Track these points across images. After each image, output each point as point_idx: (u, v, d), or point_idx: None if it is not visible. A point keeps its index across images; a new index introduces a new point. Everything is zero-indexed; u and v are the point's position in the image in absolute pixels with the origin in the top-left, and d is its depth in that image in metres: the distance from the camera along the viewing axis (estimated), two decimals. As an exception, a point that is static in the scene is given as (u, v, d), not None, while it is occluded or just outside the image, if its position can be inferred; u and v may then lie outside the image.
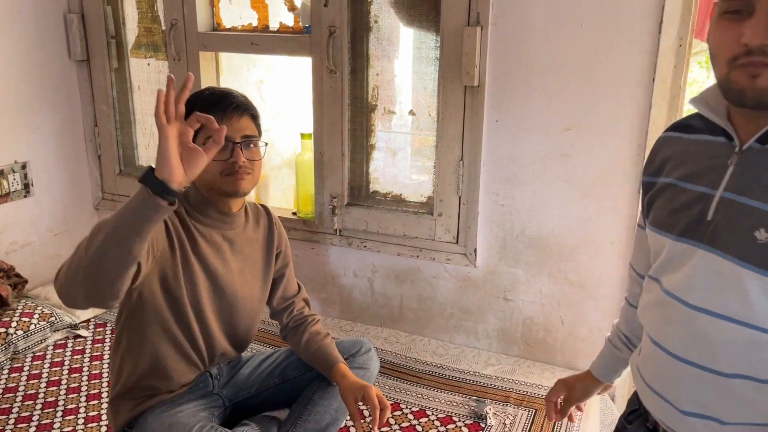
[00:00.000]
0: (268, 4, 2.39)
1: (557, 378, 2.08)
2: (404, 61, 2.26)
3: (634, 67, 1.85)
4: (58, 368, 2.08)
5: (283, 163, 2.84)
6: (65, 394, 1.94)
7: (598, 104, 1.91)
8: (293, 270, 1.79)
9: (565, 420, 1.82)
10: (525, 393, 1.97)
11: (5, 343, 2.10)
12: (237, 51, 2.45)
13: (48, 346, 2.20)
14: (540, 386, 2.01)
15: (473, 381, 2.05)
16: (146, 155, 2.74)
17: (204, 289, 1.53)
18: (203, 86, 2.34)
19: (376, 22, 2.20)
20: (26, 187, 2.57)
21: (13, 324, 2.16)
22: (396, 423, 1.83)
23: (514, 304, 2.19)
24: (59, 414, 1.85)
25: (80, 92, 2.72)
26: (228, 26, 2.44)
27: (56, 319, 2.27)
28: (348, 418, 1.71)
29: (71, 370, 2.07)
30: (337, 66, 2.19)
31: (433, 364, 2.15)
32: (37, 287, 2.52)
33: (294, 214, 2.51)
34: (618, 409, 2.11)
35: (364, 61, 2.24)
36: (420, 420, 1.85)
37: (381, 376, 2.03)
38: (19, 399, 1.91)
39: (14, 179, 2.52)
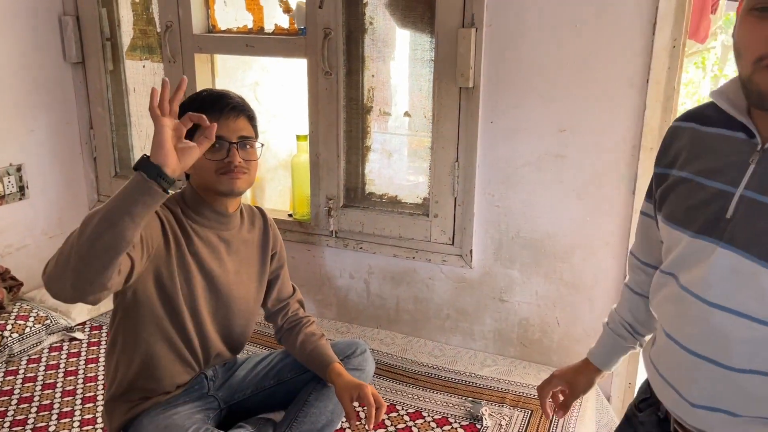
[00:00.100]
0: (263, 6, 2.39)
1: (553, 378, 2.08)
2: (399, 63, 2.27)
3: (628, 69, 1.85)
4: (54, 371, 2.07)
5: (279, 165, 2.84)
6: (60, 397, 1.94)
7: (593, 105, 1.91)
8: (288, 272, 1.79)
9: (562, 421, 1.84)
10: (521, 394, 1.98)
11: (0, 346, 2.10)
12: (232, 53, 2.45)
13: (43, 348, 2.20)
14: (536, 387, 2.01)
15: (469, 382, 2.05)
16: (142, 157, 2.74)
17: (200, 288, 1.54)
18: (199, 88, 2.36)
19: (371, 23, 2.20)
20: (21, 189, 2.56)
21: (9, 327, 2.16)
22: (392, 424, 1.83)
23: (509, 305, 2.20)
24: (54, 417, 1.84)
25: (75, 94, 2.71)
26: (223, 28, 2.45)
27: (52, 321, 2.26)
28: (344, 419, 1.71)
29: (66, 373, 2.06)
30: (333, 68, 2.20)
31: (429, 365, 2.15)
32: (32, 290, 2.51)
33: (290, 215, 2.51)
34: (614, 410, 2.12)
35: (359, 62, 2.24)
36: (416, 421, 1.85)
37: (377, 377, 2.03)
38: (14, 402, 1.91)
39: (9, 182, 2.52)
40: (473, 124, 2.06)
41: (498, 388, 2.01)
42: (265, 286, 1.73)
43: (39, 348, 2.19)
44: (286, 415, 1.65)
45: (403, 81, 2.28)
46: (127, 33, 2.63)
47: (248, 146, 1.53)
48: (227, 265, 1.60)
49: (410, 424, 1.84)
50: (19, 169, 2.54)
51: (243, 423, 1.64)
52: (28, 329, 2.19)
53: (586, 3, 1.85)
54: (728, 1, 2.81)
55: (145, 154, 1.19)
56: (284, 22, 2.36)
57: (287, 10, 2.35)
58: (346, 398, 1.53)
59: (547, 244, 2.08)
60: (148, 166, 1.17)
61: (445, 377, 2.08)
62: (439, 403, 1.94)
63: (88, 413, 1.86)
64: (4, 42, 2.43)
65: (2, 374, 2.04)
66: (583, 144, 1.95)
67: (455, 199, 2.15)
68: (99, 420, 1.82)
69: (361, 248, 2.35)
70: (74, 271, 1.17)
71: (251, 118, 1.57)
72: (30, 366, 2.10)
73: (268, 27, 2.38)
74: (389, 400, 1.94)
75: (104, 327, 2.34)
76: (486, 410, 1.87)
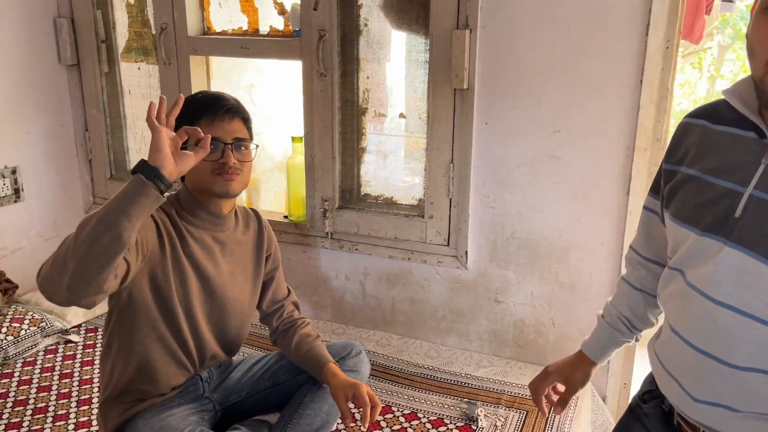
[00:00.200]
0: (258, 8, 2.39)
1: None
2: (394, 64, 2.27)
3: (621, 70, 1.86)
4: (49, 374, 2.07)
5: (275, 167, 2.84)
6: (56, 399, 1.94)
7: (587, 106, 1.92)
8: (282, 273, 1.80)
9: (557, 421, 1.84)
10: (516, 395, 1.98)
11: (-5, 348, 2.10)
12: (227, 55, 2.45)
13: (39, 351, 2.19)
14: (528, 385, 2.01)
15: (465, 383, 2.05)
16: (137, 159, 2.73)
17: (195, 289, 1.54)
18: (194, 90, 2.36)
19: (365, 25, 2.20)
20: (16, 192, 2.56)
21: (4, 329, 2.16)
22: (387, 426, 1.83)
23: (505, 306, 2.20)
24: (49, 420, 1.84)
25: (70, 97, 2.71)
26: (218, 30, 2.45)
27: (47, 324, 2.26)
28: (339, 421, 1.71)
29: (62, 376, 2.06)
30: (328, 69, 2.20)
31: (425, 366, 2.16)
32: (27, 293, 2.50)
33: (285, 217, 2.51)
34: (610, 410, 2.12)
35: (354, 64, 2.25)
36: (411, 423, 1.85)
37: (373, 378, 2.04)
38: (9, 405, 1.90)
39: (4, 184, 2.51)
40: (468, 126, 2.06)
41: (493, 389, 2.02)
42: (260, 288, 1.73)
43: (34, 351, 2.19)
44: (281, 416, 1.65)
45: (398, 82, 2.28)
46: (122, 35, 2.63)
47: (243, 147, 1.55)
48: (222, 267, 1.60)
49: (406, 425, 1.84)
50: (14, 172, 2.54)
51: (238, 425, 1.64)
52: (23, 332, 2.19)
53: (580, 4, 1.85)
54: (722, 2, 2.82)
55: (143, 158, 1.24)
56: (279, 23, 2.37)
57: (282, 12, 2.36)
58: (341, 398, 1.53)
59: (542, 244, 2.08)
60: (146, 169, 1.21)
61: (440, 378, 2.08)
62: (434, 404, 1.95)
63: (83, 416, 1.86)
64: (-1, 44, 2.44)
65: (-3, 377, 2.04)
66: (578, 145, 1.96)
67: (450, 200, 2.16)
68: (94, 422, 1.82)
69: (356, 250, 2.35)
70: (70, 273, 1.17)
71: (246, 119, 1.59)
72: (25, 369, 2.09)
73: (263, 29, 2.38)
74: (385, 401, 1.94)
75: (100, 329, 2.34)
76: (481, 411, 1.87)
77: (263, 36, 2.36)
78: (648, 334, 1.31)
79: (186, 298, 1.53)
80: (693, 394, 1.01)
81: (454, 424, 1.84)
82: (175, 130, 1.30)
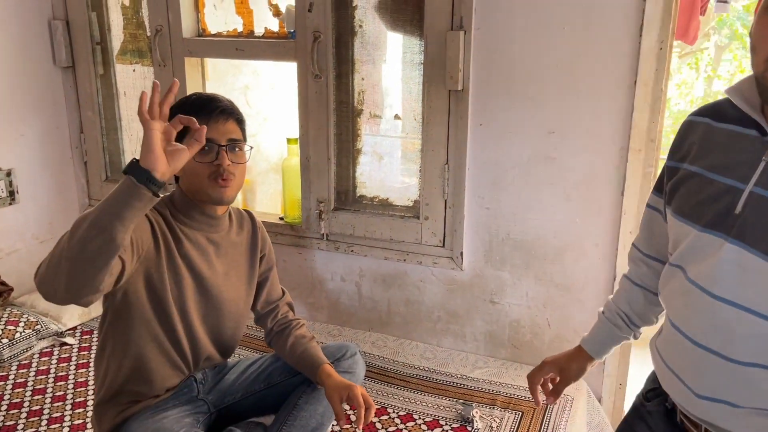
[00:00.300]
0: (253, 10, 2.39)
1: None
2: (389, 66, 2.27)
3: (615, 71, 1.86)
4: (44, 376, 2.07)
5: (270, 168, 2.84)
6: (50, 402, 1.93)
7: (581, 108, 1.92)
8: (277, 275, 1.80)
9: (552, 422, 1.84)
10: (512, 396, 1.98)
11: (-10, 351, 2.10)
12: (222, 56, 2.45)
13: (33, 354, 2.19)
14: (527, 389, 2.01)
15: (460, 384, 2.05)
16: (133, 161, 2.74)
17: (189, 290, 1.54)
18: (189, 92, 2.35)
19: (360, 26, 2.20)
20: (11, 194, 2.55)
21: (-2, 332, 2.16)
22: (383, 427, 1.83)
23: (500, 307, 2.20)
24: (44, 423, 1.84)
25: (66, 99, 2.71)
26: (213, 32, 2.45)
27: (42, 327, 2.25)
28: (334, 422, 1.71)
29: (57, 378, 2.06)
30: (322, 71, 2.20)
31: (421, 367, 2.16)
32: (23, 295, 2.50)
33: (281, 219, 2.51)
34: (605, 411, 2.13)
35: (349, 65, 2.25)
36: (407, 424, 1.85)
37: (368, 380, 2.03)
38: (3, 408, 1.90)
39: (-1, 186, 2.51)
40: (463, 127, 2.06)
41: (489, 390, 2.02)
42: (255, 289, 1.73)
43: (29, 353, 2.19)
44: (276, 418, 1.65)
45: (393, 84, 2.28)
46: (117, 37, 2.63)
47: (237, 149, 1.54)
48: (216, 267, 1.60)
49: (401, 426, 1.84)
50: (9, 174, 2.54)
51: (233, 427, 1.64)
52: (18, 334, 2.18)
53: (574, 6, 1.86)
54: (717, 2, 2.82)
55: (134, 158, 1.20)
56: (274, 25, 2.37)
57: (277, 13, 2.36)
58: (335, 399, 1.53)
59: (537, 245, 2.09)
60: (137, 171, 1.18)
61: (436, 379, 2.08)
62: (430, 405, 1.95)
63: (78, 418, 1.86)
64: (-6, 46, 2.43)
65: (-8, 380, 2.04)
66: (572, 146, 1.96)
67: (445, 201, 2.16)
68: (89, 425, 1.81)
69: (352, 251, 2.35)
70: (66, 275, 1.17)
71: (240, 121, 1.58)
72: (20, 371, 2.09)
73: (258, 30, 2.38)
74: (380, 402, 1.94)
75: (95, 332, 2.33)
76: (477, 412, 1.87)
77: (258, 38, 2.36)
78: (649, 333, 1.31)
79: (181, 299, 1.53)
80: (695, 390, 1.02)
81: (450, 425, 1.84)
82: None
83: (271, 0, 2.38)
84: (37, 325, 2.25)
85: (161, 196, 1.26)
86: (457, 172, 2.11)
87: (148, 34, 2.49)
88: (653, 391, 1.18)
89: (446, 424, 1.85)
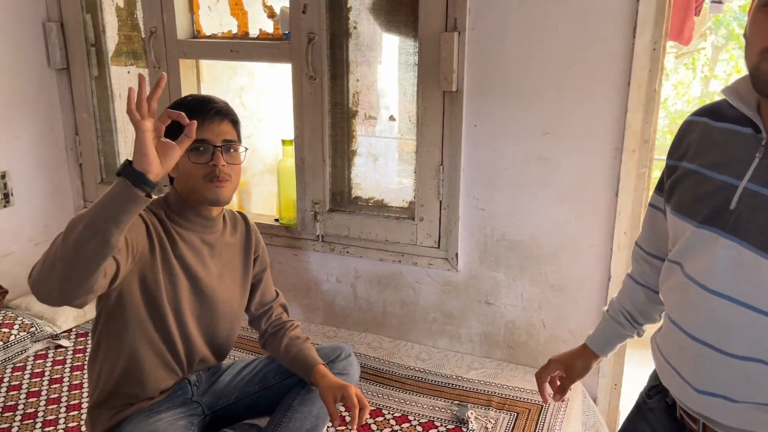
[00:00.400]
0: (247, 11, 2.39)
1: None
2: (384, 67, 2.27)
3: (609, 72, 1.86)
4: (38, 379, 2.06)
5: (265, 170, 2.84)
6: (45, 405, 1.93)
7: (575, 108, 1.92)
8: (271, 276, 1.80)
9: (548, 422, 1.85)
10: (507, 396, 1.98)
11: (-16, 354, 2.09)
12: (217, 58, 2.45)
13: (28, 356, 2.19)
14: (522, 389, 2.02)
15: (455, 385, 2.05)
16: (128, 163, 2.73)
17: (184, 290, 1.54)
18: (184, 94, 2.35)
19: (355, 28, 2.20)
20: (6, 196, 2.55)
21: (-7, 335, 2.15)
22: (378, 429, 1.83)
23: (496, 308, 2.20)
24: (39, 425, 1.83)
25: (60, 100, 2.70)
26: (208, 33, 2.44)
27: (37, 329, 2.25)
28: (329, 424, 1.71)
29: (51, 381, 2.05)
30: (317, 72, 2.20)
31: (416, 368, 2.16)
32: (18, 298, 2.50)
33: (276, 220, 2.51)
34: (601, 411, 2.13)
35: (343, 67, 2.25)
36: (402, 425, 1.85)
37: (364, 381, 2.03)
38: (-2, 410, 1.90)
39: (-6, 189, 2.51)
40: (457, 128, 2.06)
41: (484, 390, 2.02)
42: (249, 290, 1.73)
43: (24, 356, 2.18)
44: (270, 420, 1.65)
45: (388, 85, 2.28)
46: (111, 39, 2.63)
47: (232, 150, 1.55)
48: (211, 268, 1.60)
49: (396, 428, 1.84)
50: (3, 176, 2.53)
51: (227, 429, 1.64)
52: (12, 337, 2.18)
53: (567, 7, 1.86)
54: (711, 3, 2.83)
55: (127, 159, 1.20)
56: (269, 27, 2.37)
57: (271, 15, 2.36)
58: (329, 399, 1.53)
59: (532, 246, 2.09)
60: (131, 173, 1.18)
61: (431, 380, 2.08)
62: (425, 406, 1.94)
63: (73, 421, 1.85)
64: (-12, 49, 2.43)
65: (-14, 383, 2.03)
66: (567, 147, 1.96)
67: (440, 202, 2.16)
68: (83, 428, 1.81)
69: (347, 252, 2.35)
70: (60, 277, 1.18)
71: (235, 122, 1.59)
72: (15, 374, 2.09)
73: (253, 32, 2.38)
74: (375, 404, 1.94)
75: (90, 334, 2.33)
76: (472, 413, 1.87)
77: (253, 39, 2.36)
78: (646, 334, 1.34)
79: (175, 299, 1.53)
80: (693, 384, 1.03)
81: (445, 426, 1.84)
82: (166, 133, 1.25)
83: (265, 1, 2.38)
84: (32, 327, 2.24)
85: (154, 196, 1.26)
86: (452, 173, 2.11)
87: (143, 35, 2.49)
88: (655, 388, 1.20)
89: (441, 425, 1.85)
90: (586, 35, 1.86)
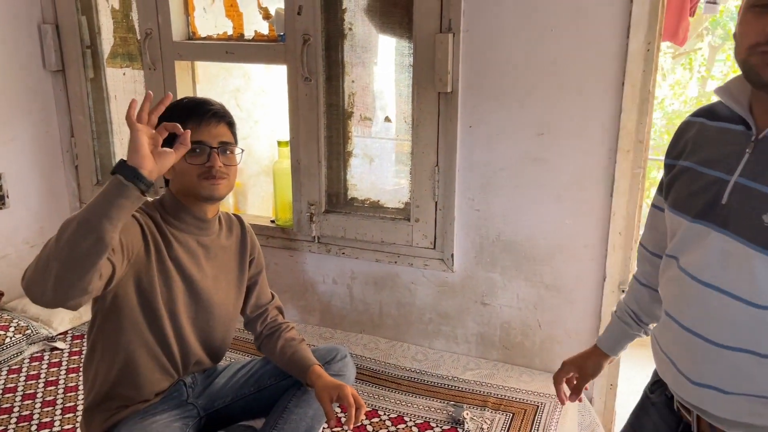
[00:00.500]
0: (242, 13, 2.39)
1: (535, 381, 2.10)
2: (379, 68, 2.27)
3: (603, 72, 1.87)
4: (34, 381, 2.06)
5: (261, 171, 2.84)
6: (40, 407, 1.93)
7: (570, 109, 1.93)
8: (266, 278, 1.80)
9: (543, 422, 1.85)
10: (503, 397, 1.98)
11: (-20, 356, 2.09)
12: (212, 60, 2.45)
13: (24, 359, 2.18)
14: (518, 390, 2.02)
15: (451, 386, 2.05)
16: (123, 165, 2.73)
17: (179, 293, 1.54)
18: (180, 95, 2.36)
19: (350, 29, 2.21)
20: (1, 198, 2.55)
21: (-12, 337, 2.15)
22: (374, 430, 1.83)
23: (491, 309, 2.20)
24: (34, 428, 1.83)
25: (56, 102, 2.70)
26: (203, 35, 2.44)
27: (32, 331, 2.25)
28: (325, 425, 1.71)
29: (47, 383, 2.05)
30: (312, 74, 2.20)
31: (412, 369, 2.16)
32: (13, 300, 2.50)
33: (272, 221, 2.51)
34: (597, 412, 2.13)
35: (339, 68, 2.25)
36: (398, 426, 1.85)
37: (360, 382, 2.03)
38: (-7, 413, 1.90)
39: (-11, 191, 2.51)
40: (452, 129, 2.07)
41: (480, 391, 2.02)
42: (245, 293, 1.73)
43: (19, 358, 2.18)
44: (266, 422, 1.65)
45: (383, 86, 2.28)
46: (107, 40, 2.62)
47: (228, 152, 1.56)
48: (206, 270, 1.60)
49: (392, 429, 1.84)
50: (-1, 178, 2.53)
51: (223, 431, 1.64)
52: (8, 339, 2.18)
53: (561, 8, 1.86)
54: (706, 3, 2.83)
55: (122, 158, 1.22)
56: (264, 28, 2.37)
57: (266, 16, 2.36)
58: (325, 399, 1.53)
59: (528, 247, 2.09)
60: (125, 169, 1.19)
61: (427, 381, 2.08)
62: (421, 407, 1.95)
63: (68, 423, 1.85)
64: (-17, 51, 2.43)
65: (-18, 385, 2.03)
66: (561, 147, 1.97)
67: (436, 203, 2.16)
68: (78, 430, 1.80)
69: (343, 253, 2.35)
70: (54, 276, 1.17)
71: (231, 124, 1.60)
72: (10, 377, 2.08)
73: (248, 34, 2.38)
74: (371, 405, 1.94)
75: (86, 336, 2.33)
76: (467, 414, 1.87)
77: (248, 41, 2.36)
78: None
79: (171, 301, 1.53)
80: (688, 376, 1.06)
81: (441, 427, 1.84)
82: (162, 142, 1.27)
83: (260, 3, 2.38)
84: (28, 330, 2.24)
85: (148, 196, 1.26)
86: (447, 174, 2.11)
87: (138, 37, 2.49)
88: (657, 382, 1.23)
89: (437, 425, 1.85)
90: (580, 36, 1.87)
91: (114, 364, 1.51)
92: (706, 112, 1.13)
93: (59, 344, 2.27)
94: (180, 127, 1.27)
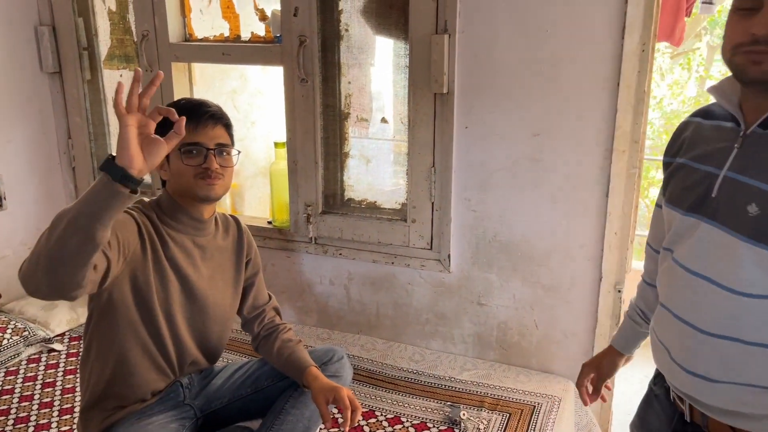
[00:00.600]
0: (239, 14, 2.39)
1: (531, 381, 2.10)
2: (376, 70, 2.28)
3: (599, 73, 1.87)
4: (31, 383, 2.06)
5: (258, 172, 2.85)
6: (38, 409, 1.93)
7: (565, 110, 1.93)
8: (263, 279, 1.80)
9: (540, 422, 1.85)
10: (499, 397, 1.98)
11: (-23, 358, 2.09)
12: (209, 61, 2.45)
13: (21, 360, 2.18)
14: (514, 390, 2.02)
15: (448, 386, 2.06)
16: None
17: (175, 292, 1.55)
18: (176, 97, 2.36)
19: (346, 30, 2.21)
20: (-1, 200, 2.55)
21: (-15, 339, 2.15)
22: (371, 430, 1.83)
23: (488, 309, 2.21)
24: (31, 429, 1.83)
25: (53, 104, 2.70)
26: (200, 37, 2.45)
27: (30, 333, 2.25)
28: (321, 426, 1.71)
29: (44, 385, 2.05)
30: (309, 75, 2.20)
31: (409, 370, 2.16)
32: (11, 301, 2.50)
33: (269, 223, 2.51)
34: (593, 412, 2.13)
35: (335, 69, 2.25)
36: (395, 427, 1.85)
37: (357, 383, 2.04)
38: (-10, 415, 1.90)
39: (-14, 193, 2.51)
40: (448, 130, 2.07)
41: (477, 391, 2.02)
42: (241, 293, 1.73)
43: (17, 360, 2.18)
44: (262, 423, 1.65)
45: (381, 87, 2.29)
46: (104, 42, 2.63)
47: (225, 153, 1.57)
48: (202, 271, 1.61)
49: (389, 429, 1.84)
50: (-4, 180, 2.53)
51: (219, 432, 1.64)
52: (5, 341, 2.18)
53: (556, 8, 1.87)
54: (702, 3, 2.84)
55: (110, 154, 1.18)
56: (260, 30, 2.37)
57: (263, 18, 2.36)
58: (321, 401, 1.54)
59: (524, 247, 2.09)
60: (112, 168, 1.15)
61: (424, 382, 2.09)
62: (417, 408, 1.95)
63: (65, 425, 1.85)
64: (-20, 53, 2.43)
65: (-21, 387, 2.03)
66: (557, 148, 1.97)
67: (432, 204, 2.16)
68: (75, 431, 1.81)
69: (340, 254, 2.35)
70: (46, 272, 1.17)
71: (228, 126, 1.61)
72: (8, 378, 2.08)
73: (245, 35, 2.39)
74: (368, 405, 1.95)
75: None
76: (464, 414, 1.87)
77: (244, 42, 2.36)
78: None
79: (166, 301, 1.53)
80: (680, 364, 1.10)
81: (438, 427, 1.85)
82: (156, 131, 1.22)
83: (257, 4, 2.38)
84: (25, 331, 2.24)
85: (138, 193, 1.24)
86: (444, 175, 2.12)
87: (135, 39, 2.49)
88: (660, 375, 1.26)
89: (434, 426, 1.85)
90: (575, 37, 1.87)
91: (109, 363, 1.51)
92: (703, 113, 1.18)
93: (56, 346, 2.27)
94: (174, 112, 1.21)
